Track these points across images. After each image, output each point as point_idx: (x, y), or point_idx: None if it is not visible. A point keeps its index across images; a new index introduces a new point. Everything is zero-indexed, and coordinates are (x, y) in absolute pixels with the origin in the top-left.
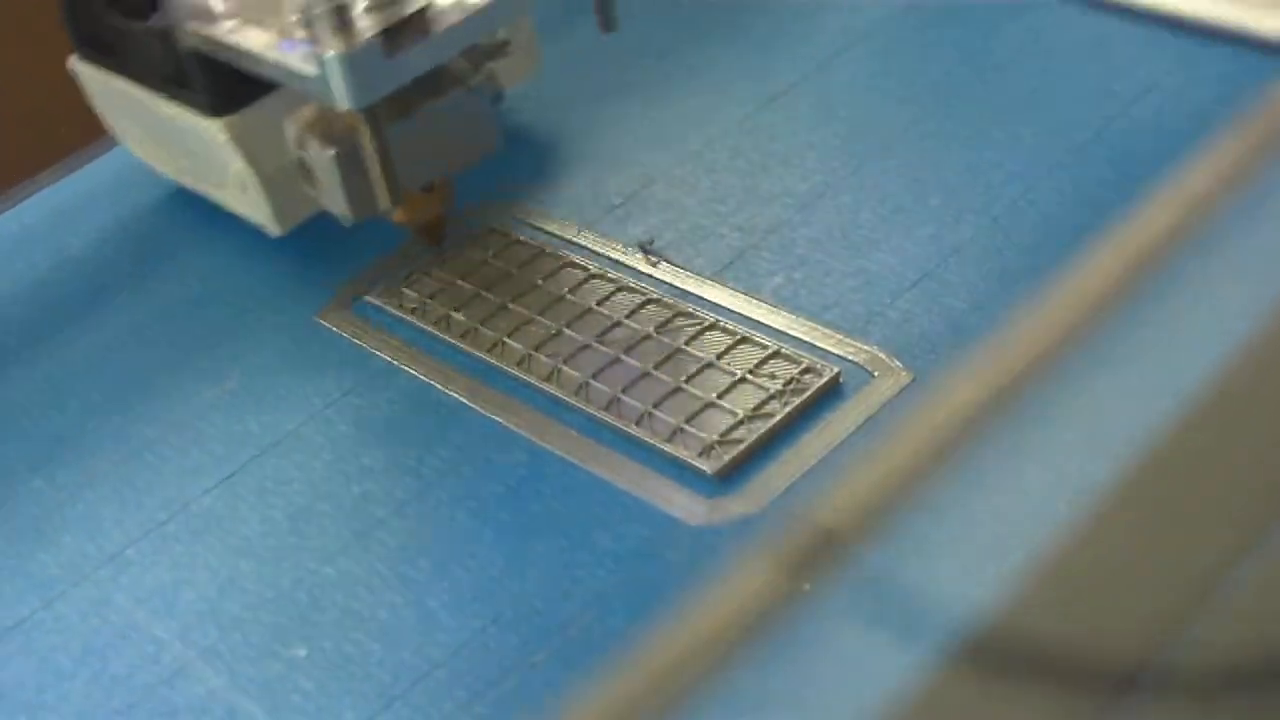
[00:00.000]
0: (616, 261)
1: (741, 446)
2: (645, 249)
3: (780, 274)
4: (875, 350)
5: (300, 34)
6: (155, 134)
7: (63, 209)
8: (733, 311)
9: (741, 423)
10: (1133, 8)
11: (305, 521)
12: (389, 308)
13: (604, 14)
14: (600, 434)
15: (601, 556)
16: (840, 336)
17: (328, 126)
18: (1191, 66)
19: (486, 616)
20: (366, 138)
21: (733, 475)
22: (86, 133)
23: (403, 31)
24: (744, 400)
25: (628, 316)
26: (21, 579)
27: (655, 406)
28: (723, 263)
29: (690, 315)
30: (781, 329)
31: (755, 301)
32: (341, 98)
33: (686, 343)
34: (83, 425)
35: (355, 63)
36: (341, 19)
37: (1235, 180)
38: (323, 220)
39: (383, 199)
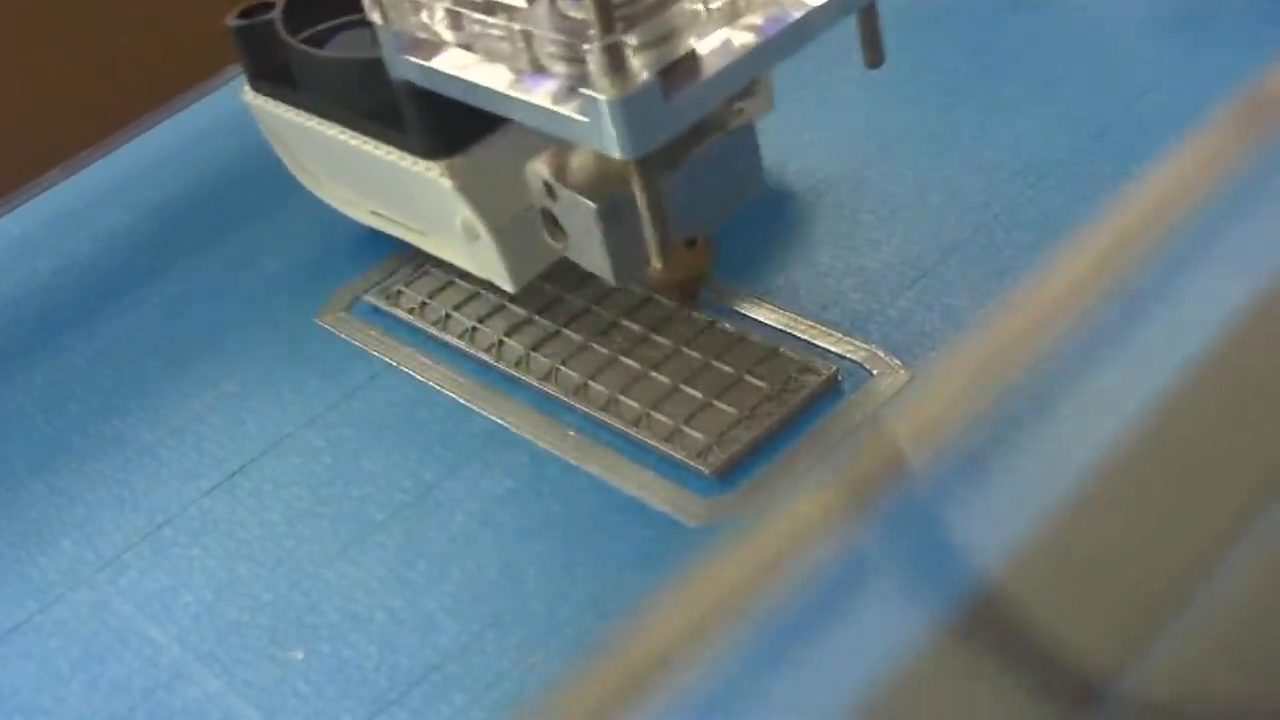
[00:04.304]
0: None
1: (739, 446)
2: None
3: (780, 273)
4: (874, 349)
5: (560, 69)
6: (351, 176)
7: (64, 212)
8: (731, 310)
9: (739, 422)
10: None
11: (303, 524)
12: (388, 308)
13: (871, 48)
14: (599, 434)
15: (600, 557)
16: (839, 335)
17: (582, 174)
18: (1193, 64)
19: (485, 619)
20: (638, 189)
21: (731, 475)
22: (91, 134)
23: (678, 73)
24: (742, 400)
25: (625, 316)
26: (20, 582)
27: (653, 407)
28: (722, 261)
29: (688, 315)
30: (780, 327)
31: (754, 300)
32: (617, 145)
33: (685, 342)
34: (83, 429)
35: (633, 107)
36: (617, 58)
37: (1228, 163)
38: (320, 218)
39: (655, 257)
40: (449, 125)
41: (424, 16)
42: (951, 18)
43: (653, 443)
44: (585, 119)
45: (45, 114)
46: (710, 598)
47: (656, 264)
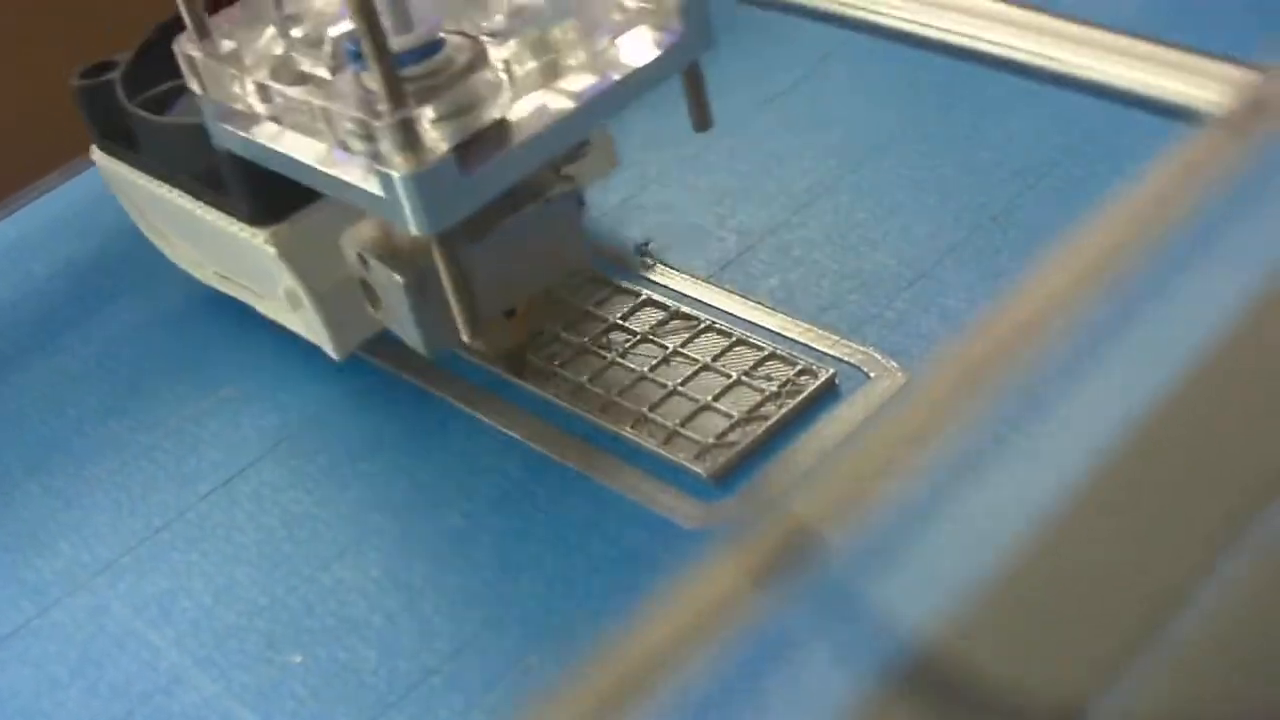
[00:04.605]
0: (612, 263)
1: (736, 449)
2: (641, 250)
3: (776, 275)
4: (871, 351)
5: (358, 146)
6: (189, 238)
7: (61, 216)
8: (729, 313)
9: (737, 425)
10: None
11: (301, 528)
12: None
13: (697, 111)
14: (596, 437)
15: (596, 560)
16: (836, 338)
17: (393, 245)
18: None
19: (481, 621)
20: (439, 264)
21: (728, 478)
22: (86, 139)
23: (479, 145)
24: (739, 403)
25: (623, 318)
26: (16, 586)
27: (650, 409)
28: (719, 264)
29: (686, 317)
30: (777, 330)
31: (751, 303)
32: (412, 222)
33: (682, 345)
34: (80, 431)
35: (428, 183)
36: (409, 133)
37: (1228, 163)
38: None
39: (462, 330)
40: (272, 192)
41: (237, 88)
42: None
43: (650, 445)
44: (384, 195)
45: (45, 114)
46: (705, 601)
47: (465, 337)
